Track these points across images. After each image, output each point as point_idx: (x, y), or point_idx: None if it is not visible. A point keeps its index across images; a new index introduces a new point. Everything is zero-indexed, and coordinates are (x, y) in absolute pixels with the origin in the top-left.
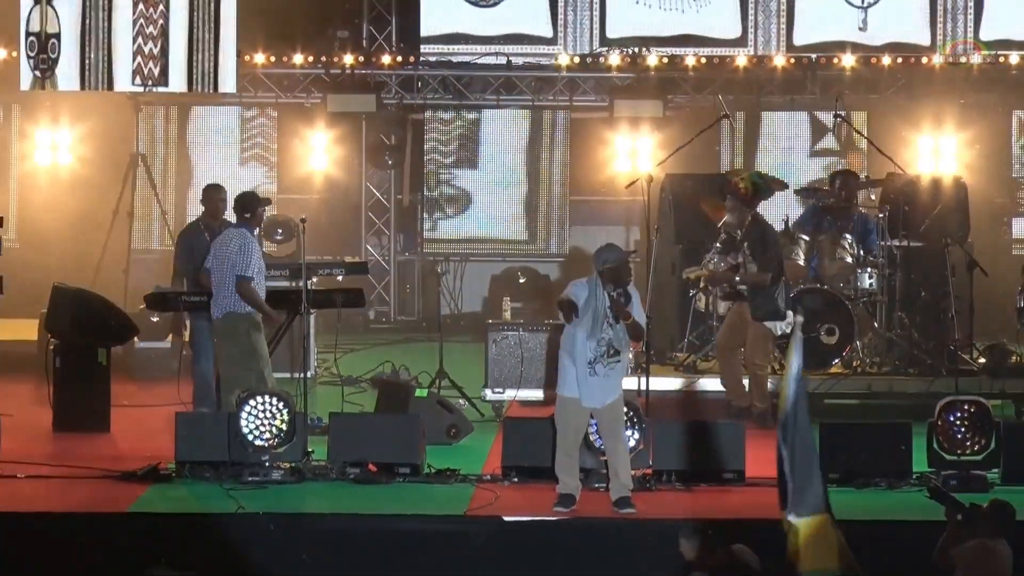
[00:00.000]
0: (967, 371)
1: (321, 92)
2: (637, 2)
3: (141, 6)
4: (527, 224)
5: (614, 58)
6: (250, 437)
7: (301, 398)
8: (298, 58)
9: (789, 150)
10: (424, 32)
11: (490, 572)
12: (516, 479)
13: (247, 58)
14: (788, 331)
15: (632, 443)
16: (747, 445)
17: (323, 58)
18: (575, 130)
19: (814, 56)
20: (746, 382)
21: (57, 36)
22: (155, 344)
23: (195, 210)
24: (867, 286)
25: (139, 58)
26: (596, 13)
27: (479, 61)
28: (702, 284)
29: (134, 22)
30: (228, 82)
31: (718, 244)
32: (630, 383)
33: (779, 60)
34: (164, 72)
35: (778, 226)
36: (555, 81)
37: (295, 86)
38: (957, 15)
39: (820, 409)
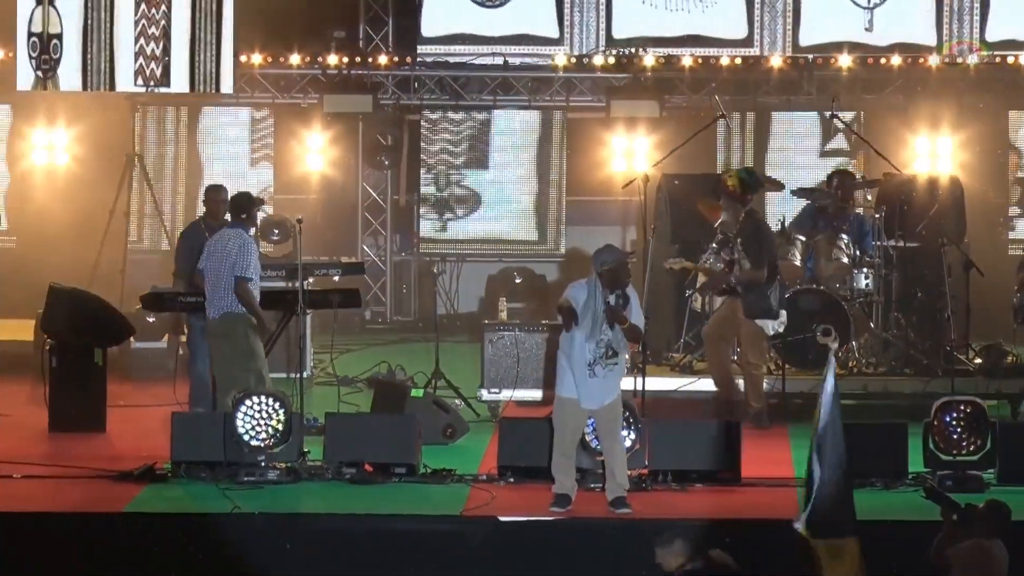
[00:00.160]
0: (963, 371)
1: (318, 93)
2: (643, 2)
3: (143, 6)
4: (523, 224)
5: (603, 58)
6: (246, 437)
7: (297, 398)
8: (295, 58)
9: (799, 151)
10: (428, 33)
11: (486, 572)
12: (512, 479)
13: (244, 58)
14: (780, 330)
15: (628, 443)
16: (743, 445)
17: (320, 58)
18: (572, 130)
19: (811, 56)
20: (738, 381)
21: (59, 36)
22: (151, 344)
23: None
24: (863, 286)
25: (141, 58)
26: (602, 13)
27: (476, 61)
28: (698, 285)
29: (136, 22)
30: (228, 83)
31: (714, 244)
32: (626, 383)
33: (775, 60)
34: (166, 72)
35: (775, 226)
36: (552, 82)
37: (292, 87)
38: (963, 15)
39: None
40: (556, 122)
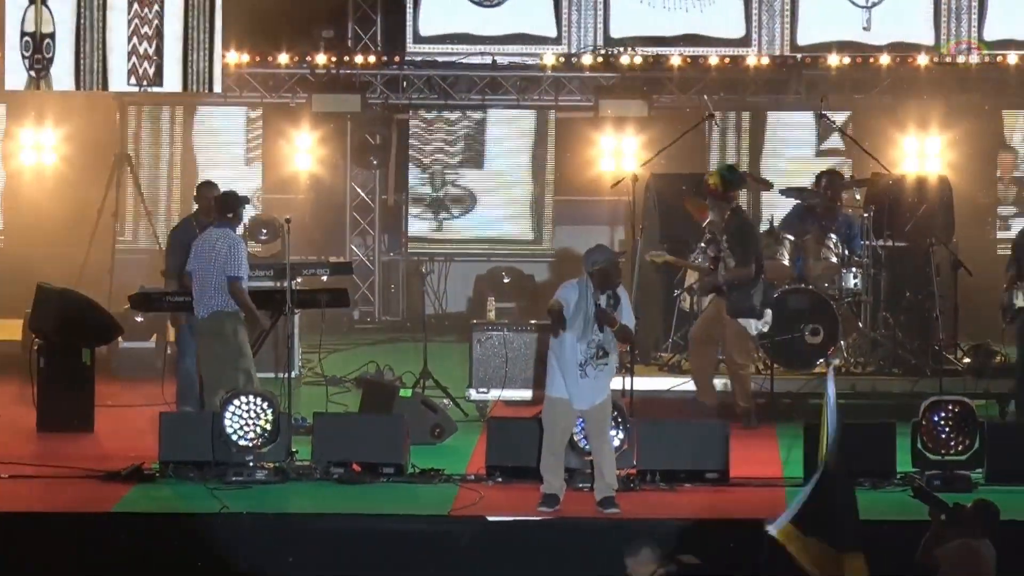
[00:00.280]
0: (951, 371)
1: (306, 92)
2: (640, 1)
3: (136, 6)
4: (512, 224)
5: (591, 57)
6: (234, 437)
7: (285, 398)
8: (283, 58)
9: (795, 150)
10: (426, 32)
11: (474, 572)
12: (500, 479)
13: (232, 58)
14: (764, 330)
15: (616, 443)
16: (732, 445)
17: (308, 58)
18: (561, 130)
19: (799, 56)
20: (724, 381)
21: (52, 36)
22: (139, 344)
23: None
24: (852, 286)
25: (134, 58)
26: (600, 13)
27: (464, 61)
28: (686, 285)
29: (129, 22)
30: (220, 83)
31: (702, 244)
32: (614, 383)
33: (755, 59)
34: (159, 72)
35: (764, 226)
36: (540, 81)
37: (280, 86)
38: (961, 15)
39: (804, 409)
40: (545, 122)
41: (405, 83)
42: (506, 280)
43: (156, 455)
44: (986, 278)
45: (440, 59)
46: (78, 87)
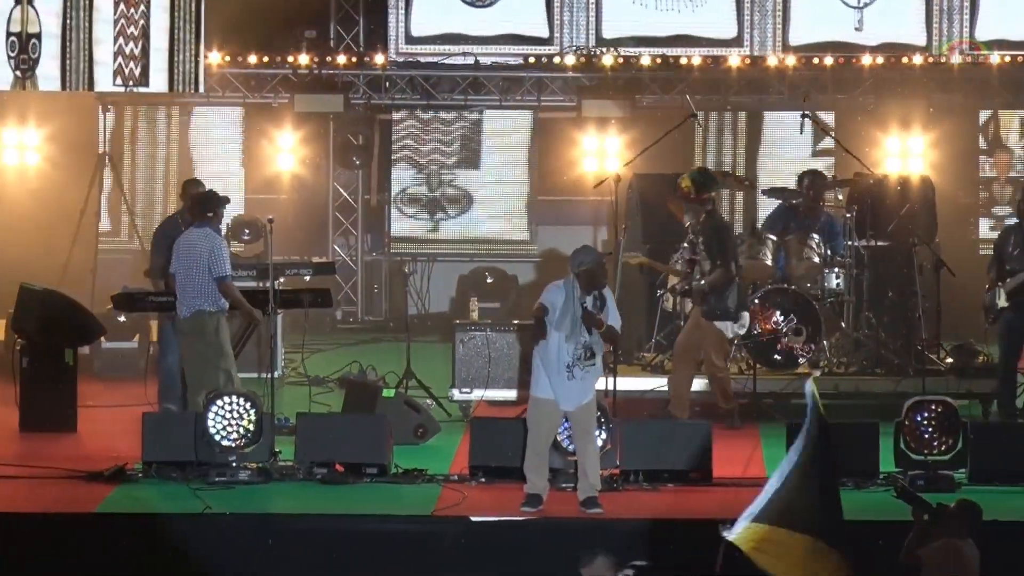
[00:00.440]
0: (934, 371)
1: (288, 92)
2: (633, 2)
3: (122, 6)
4: (495, 224)
5: (572, 58)
6: (217, 437)
7: (268, 398)
8: (265, 58)
9: (792, 150)
10: (418, 32)
11: (457, 572)
12: (483, 479)
13: (215, 58)
14: (740, 333)
15: (600, 443)
16: (714, 445)
17: (290, 58)
18: (543, 130)
19: (782, 57)
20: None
21: (38, 36)
22: (122, 344)
23: None
24: (834, 286)
25: (120, 58)
26: (592, 13)
27: (446, 61)
28: (669, 286)
29: (115, 22)
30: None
31: (685, 244)
32: (598, 383)
33: (734, 60)
34: (145, 72)
35: (748, 226)
36: (522, 81)
37: (262, 86)
38: (953, 15)
39: (787, 410)
40: (527, 122)
41: (387, 83)
42: (489, 280)
43: (139, 455)
44: (969, 278)
45: (423, 59)
46: (64, 87)
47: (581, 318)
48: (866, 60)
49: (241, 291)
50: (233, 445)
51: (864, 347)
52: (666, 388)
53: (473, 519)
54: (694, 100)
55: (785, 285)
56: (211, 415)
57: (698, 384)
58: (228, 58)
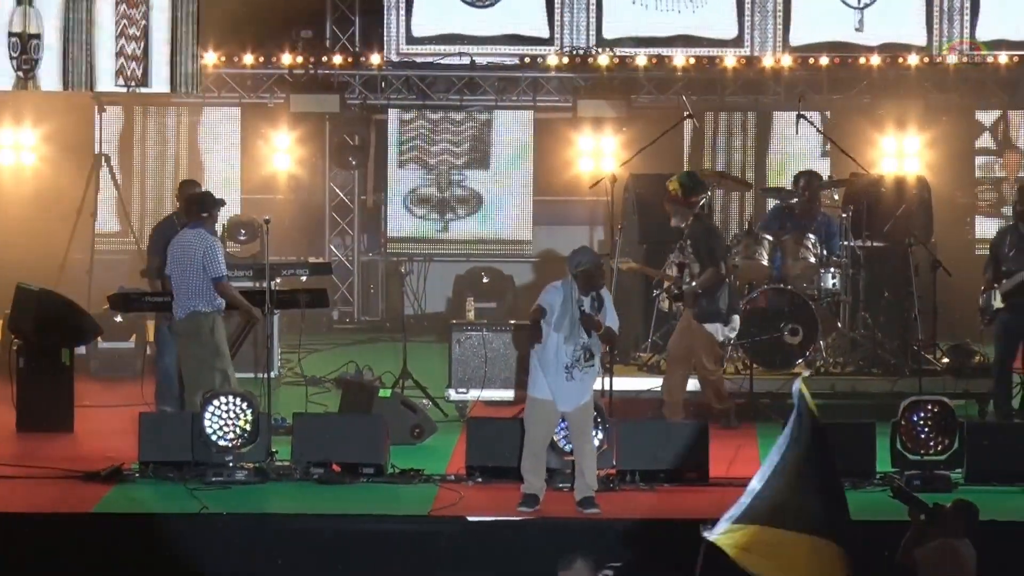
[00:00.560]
0: (930, 371)
1: (284, 92)
2: (633, 2)
3: (123, 6)
4: (491, 225)
5: (566, 59)
6: (214, 437)
7: (265, 398)
8: (261, 58)
9: (800, 150)
10: (419, 33)
11: (454, 572)
12: (480, 479)
13: (211, 58)
14: (731, 336)
15: (596, 443)
16: (711, 445)
17: (286, 58)
18: (538, 130)
19: (776, 56)
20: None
21: (39, 37)
22: (118, 344)
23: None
24: (830, 286)
25: (121, 59)
26: (592, 14)
27: (442, 61)
28: (666, 285)
29: (117, 22)
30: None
31: (679, 245)
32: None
33: (730, 60)
34: (146, 73)
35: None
36: (518, 81)
37: (258, 86)
38: (953, 15)
39: (784, 409)
40: (523, 122)
41: (383, 83)
42: (485, 280)
43: (136, 455)
44: (965, 278)
45: (419, 59)
46: (65, 87)
47: (580, 321)
48: (861, 60)
49: (238, 291)
50: (230, 445)
51: (860, 347)
52: (662, 389)
53: (470, 519)
54: (690, 100)
55: (782, 285)
56: (208, 415)
57: (693, 385)
58: (224, 58)
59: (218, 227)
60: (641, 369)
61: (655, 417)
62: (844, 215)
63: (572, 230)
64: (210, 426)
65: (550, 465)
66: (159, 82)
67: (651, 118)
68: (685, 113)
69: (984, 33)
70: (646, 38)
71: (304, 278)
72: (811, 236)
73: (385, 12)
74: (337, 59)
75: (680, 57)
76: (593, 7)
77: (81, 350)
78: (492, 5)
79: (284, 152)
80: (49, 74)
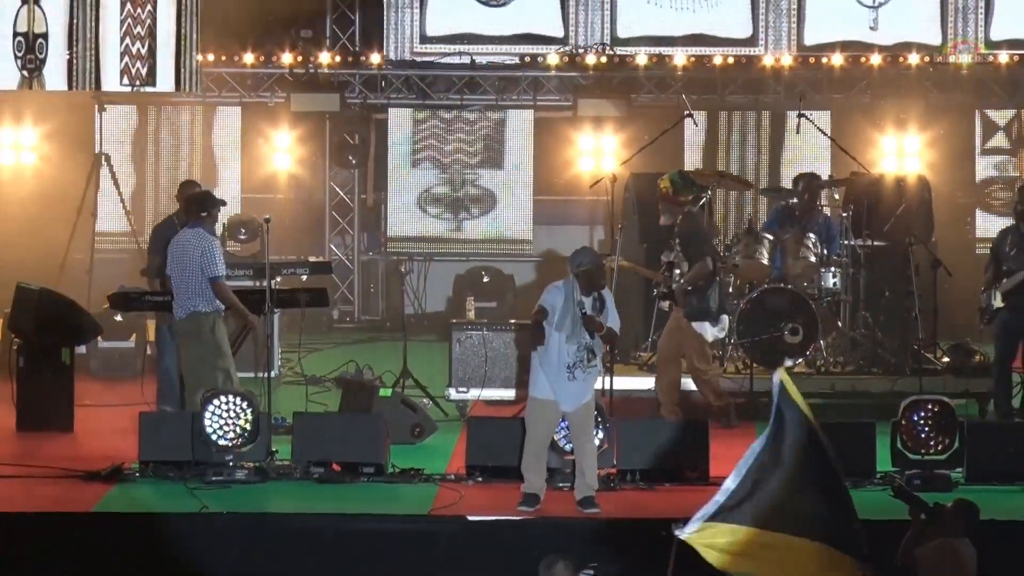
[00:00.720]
0: (931, 370)
1: (284, 91)
2: (647, 1)
3: (129, 6)
4: (491, 224)
5: (561, 58)
6: (214, 437)
7: (265, 398)
8: (261, 57)
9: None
10: (432, 32)
11: (454, 571)
12: (480, 479)
13: (211, 57)
14: (721, 336)
15: (596, 442)
16: (711, 444)
17: (286, 57)
18: (539, 129)
19: (777, 55)
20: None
21: (45, 36)
22: (119, 344)
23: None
24: (831, 285)
25: (127, 58)
26: (607, 13)
27: (443, 61)
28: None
29: (122, 22)
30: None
31: (669, 243)
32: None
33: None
34: (152, 72)
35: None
36: (519, 80)
37: (259, 85)
38: (968, 15)
39: None
40: (524, 121)
41: (383, 83)
42: (485, 280)
43: (136, 455)
44: (965, 278)
45: (426, 59)
46: (71, 87)
47: (581, 322)
48: (862, 59)
49: (238, 291)
50: (230, 444)
51: (861, 346)
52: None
53: (470, 518)
54: (691, 100)
55: (782, 284)
56: (208, 414)
57: (690, 384)
58: (224, 57)
59: (218, 227)
60: (641, 369)
61: (655, 416)
62: (844, 214)
63: (572, 230)
64: (210, 425)
65: (550, 465)
66: (165, 82)
67: (651, 117)
68: (685, 112)
69: (998, 33)
70: (659, 37)
71: (304, 277)
72: (811, 235)
73: (396, 11)
74: (337, 58)
75: (680, 56)
76: (607, 6)
77: (81, 349)
78: (506, 4)
79: (284, 151)
80: (54, 74)
